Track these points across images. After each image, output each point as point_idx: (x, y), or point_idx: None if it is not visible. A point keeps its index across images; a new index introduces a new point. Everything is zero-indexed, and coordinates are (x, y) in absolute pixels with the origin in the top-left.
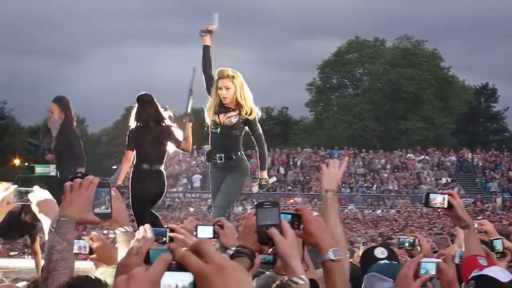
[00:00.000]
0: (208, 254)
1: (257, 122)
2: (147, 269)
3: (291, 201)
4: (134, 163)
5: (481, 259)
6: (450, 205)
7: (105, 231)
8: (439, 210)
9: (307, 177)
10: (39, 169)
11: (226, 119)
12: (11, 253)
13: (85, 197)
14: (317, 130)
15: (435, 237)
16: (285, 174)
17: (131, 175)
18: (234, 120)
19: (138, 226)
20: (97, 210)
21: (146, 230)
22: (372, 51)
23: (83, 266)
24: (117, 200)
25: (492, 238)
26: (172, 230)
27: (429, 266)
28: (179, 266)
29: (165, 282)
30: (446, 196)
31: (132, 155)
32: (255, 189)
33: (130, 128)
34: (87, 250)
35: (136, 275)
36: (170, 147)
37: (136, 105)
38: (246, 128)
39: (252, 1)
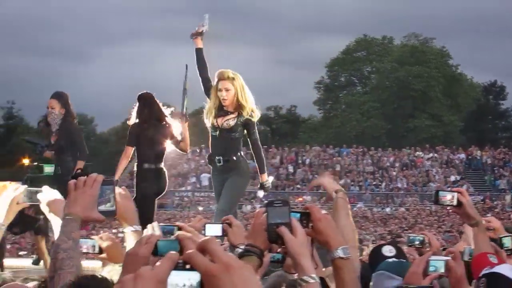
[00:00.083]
0: (215, 253)
1: (256, 125)
2: (154, 264)
3: (300, 199)
4: (136, 162)
5: (491, 257)
6: (460, 203)
7: (114, 230)
8: (448, 208)
9: (316, 176)
10: (48, 169)
11: (224, 122)
12: (21, 253)
13: (90, 195)
14: (326, 128)
15: (444, 235)
16: (293, 173)
17: (134, 175)
18: (232, 122)
19: (142, 225)
20: (101, 208)
21: (154, 228)
22: (380, 49)
23: (92, 266)
24: (127, 199)
25: (501, 236)
26: (180, 228)
27: (438, 264)
28: (186, 265)
29: (172, 281)
30: (455, 194)
31: (131, 151)
32: (260, 193)
33: (131, 125)
34: (97, 249)
35: (143, 274)
36: (169, 146)
37: (137, 104)
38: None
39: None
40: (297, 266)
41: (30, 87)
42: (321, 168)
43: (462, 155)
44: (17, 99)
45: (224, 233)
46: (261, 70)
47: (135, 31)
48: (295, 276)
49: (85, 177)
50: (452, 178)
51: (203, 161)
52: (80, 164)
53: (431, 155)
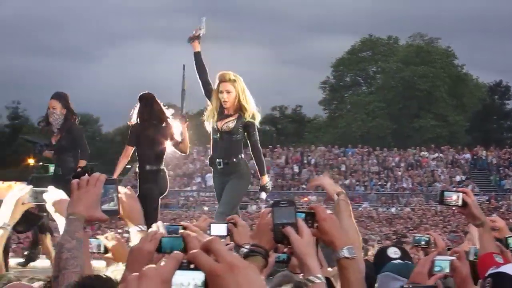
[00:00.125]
0: (219, 253)
1: (256, 128)
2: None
3: (305, 199)
4: (138, 164)
5: (497, 257)
6: (465, 203)
7: (119, 230)
8: (454, 208)
9: (321, 176)
10: (53, 169)
11: (224, 124)
12: (26, 253)
13: (93, 194)
14: (331, 128)
15: (449, 235)
16: (299, 173)
17: (138, 176)
18: (231, 124)
19: (147, 226)
20: (105, 207)
21: (158, 227)
22: (385, 49)
23: (96, 266)
24: (132, 198)
25: (507, 236)
26: (184, 228)
27: (443, 263)
28: (191, 264)
29: (177, 281)
30: (460, 194)
31: (131, 151)
32: (263, 195)
33: (132, 124)
34: (102, 249)
35: (147, 273)
36: (168, 147)
37: (138, 104)
38: None
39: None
40: (303, 266)
41: (36, 87)
42: (326, 168)
43: (468, 155)
44: (22, 99)
45: (229, 232)
46: (267, 70)
47: (141, 31)
48: (300, 276)
49: (88, 176)
50: (458, 178)
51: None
52: (82, 163)
53: (436, 155)
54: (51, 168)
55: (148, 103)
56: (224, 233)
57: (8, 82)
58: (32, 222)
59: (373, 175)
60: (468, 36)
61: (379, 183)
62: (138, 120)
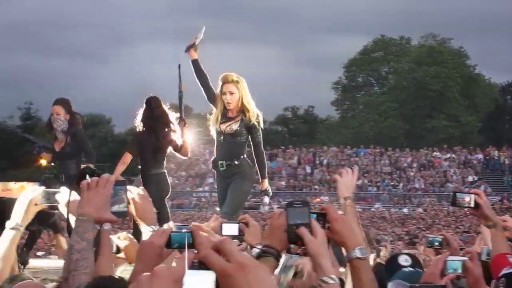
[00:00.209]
0: (230, 252)
1: (259, 129)
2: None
3: (318, 199)
4: (140, 168)
5: (511, 257)
6: (477, 205)
7: (131, 231)
8: (466, 210)
9: (337, 173)
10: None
11: (227, 127)
12: (38, 253)
13: (103, 195)
14: (343, 128)
15: (462, 236)
16: (311, 173)
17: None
18: (234, 126)
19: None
20: (114, 208)
21: (169, 226)
22: (397, 49)
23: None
24: (145, 199)
25: None
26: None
27: (456, 264)
28: (202, 264)
29: (188, 281)
30: (472, 196)
31: (129, 158)
32: (266, 199)
33: (136, 131)
34: (114, 249)
35: (159, 273)
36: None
37: (144, 107)
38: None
39: (278, 0)
40: (317, 266)
41: (48, 88)
42: (339, 168)
43: (480, 156)
44: (34, 100)
45: (241, 232)
46: (279, 70)
47: (153, 31)
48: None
49: (98, 177)
50: (470, 178)
51: None
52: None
53: (448, 155)
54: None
55: (152, 107)
56: (236, 233)
57: (20, 82)
58: (43, 220)
59: (385, 175)
60: (480, 37)
61: (392, 183)
62: (142, 124)
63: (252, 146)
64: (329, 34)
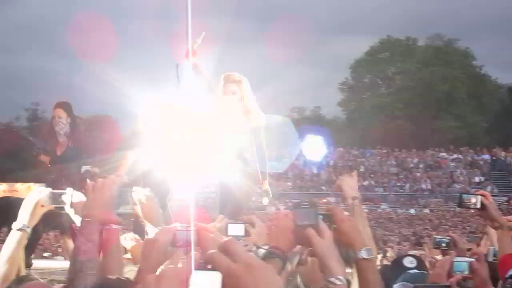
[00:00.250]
0: (236, 253)
1: (261, 129)
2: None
3: (324, 200)
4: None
5: None
6: (483, 206)
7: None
8: (473, 211)
9: (340, 177)
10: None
11: None
12: (45, 254)
13: (108, 197)
14: (350, 129)
15: (469, 237)
16: (317, 174)
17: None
18: None
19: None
20: (120, 210)
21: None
22: (404, 50)
23: None
24: (152, 200)
25: None
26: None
27: (462, 265)
28: (208, 265)
29: (194, 281)
30: (479, 197)
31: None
32: (265, 201)
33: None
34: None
35: (165, 274)
36: None
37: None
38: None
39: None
40: (325, 267)
41: (55, 88)
42: (345, 169)
43: (486, 156)
44: (41, 101)
45: (247, 233)
46: (285, 70)
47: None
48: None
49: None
50: (476, 179)
51: None
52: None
53: (455, 156)
54: None
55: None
56: (242, 233)
57: (27, 83)
58: (50, 220)
59: (392, 176)
60: (487, 37)
61: (398, 184)
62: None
63: (254, 146)
64: (335, 34)
